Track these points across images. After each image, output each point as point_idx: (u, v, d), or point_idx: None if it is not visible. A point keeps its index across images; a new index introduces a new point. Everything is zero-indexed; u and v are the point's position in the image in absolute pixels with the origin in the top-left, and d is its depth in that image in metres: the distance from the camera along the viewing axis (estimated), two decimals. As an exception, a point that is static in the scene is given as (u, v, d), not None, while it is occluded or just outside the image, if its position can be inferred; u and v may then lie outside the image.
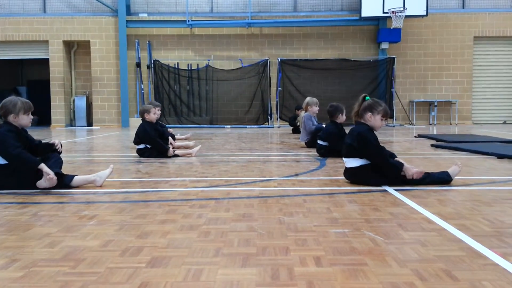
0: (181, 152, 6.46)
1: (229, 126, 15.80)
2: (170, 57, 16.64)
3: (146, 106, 6.62)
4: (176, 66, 16.45)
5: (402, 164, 3.83)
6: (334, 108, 6.37)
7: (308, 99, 7.70)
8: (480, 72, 16.76)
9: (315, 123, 7.40)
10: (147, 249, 2.22)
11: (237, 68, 16.37)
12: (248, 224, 2.67)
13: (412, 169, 3.81)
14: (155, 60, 16.32)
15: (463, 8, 16.61)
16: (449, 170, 3.98)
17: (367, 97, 3.96)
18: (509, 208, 3.02)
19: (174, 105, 16.33)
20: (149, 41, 16.58)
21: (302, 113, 8.10)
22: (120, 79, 16.43)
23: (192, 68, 16.46)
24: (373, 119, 3.93)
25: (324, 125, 6.98)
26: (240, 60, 16.44)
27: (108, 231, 2.56)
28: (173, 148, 6.61)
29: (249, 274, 1.88)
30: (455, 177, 4.01)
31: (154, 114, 6.51)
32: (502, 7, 16.48)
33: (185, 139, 9.10)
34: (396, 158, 4.02)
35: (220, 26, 16.50)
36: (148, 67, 16.47)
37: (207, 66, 16.26)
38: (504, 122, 16.57)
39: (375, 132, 4.00)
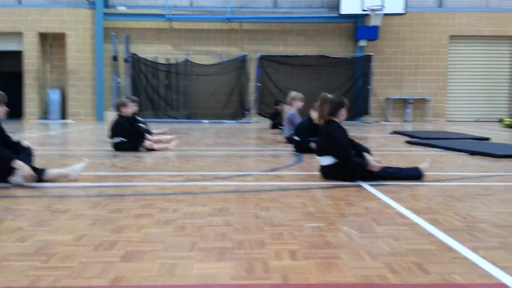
0: (158, 147, 6.41)
1: (207, 121, 15.73)
2: (149, 51, 16.44)
3: (123, 100, 6.54)
4: (155, 60, 16.28)
5: (367, 160, 3.87)
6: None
7: (293, 93, 7.65)
8: (455, 71, 17.07)
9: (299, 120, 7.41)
10: (122, 244, 2.20)
11: (216, 63, 16.29)
12: (225, 219, 2.68)
13: (374, 163, 3.85)
14: (133, 54, 16.10)
15: (440, 7, 16.87)
16: (421, 166, 4.06)
17: (329, 95, 4.01)
18: (480, 204, 3.10)
19: (151, 99, 16.17)
20: (127, 35, 16.35)
21: (287, 108, 8.08)
22: (96, 72, 16.16)
23: (171, 62, 16.31)
24: (344, 114, 4.00)
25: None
26: (220, 55, 16.37)
27: (81, 225, 2.53)
28: (149, 142, 6.54)
29: (225, 268, 1.89)
30: (427, 173, 4.09)
31: (130, 109, 6.43)
32: (478, 7, 16.79)
33: (162, 133, 9.03)
34: (369, 153, 4.07)
35: (200, 21, 16.38)
36: (126, 60, 16.25)
37: (186, 60, 16.13)
38: (477, 120, 16.94)
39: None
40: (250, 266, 1.91)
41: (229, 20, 16.23)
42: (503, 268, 1.86)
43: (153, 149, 6.26)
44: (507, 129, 12.19)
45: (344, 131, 4.00)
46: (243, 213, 2.81)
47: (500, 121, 14.27)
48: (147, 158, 5.64)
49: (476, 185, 3.85)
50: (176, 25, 16.55)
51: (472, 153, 5.95)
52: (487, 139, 8.24)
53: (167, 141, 6.95)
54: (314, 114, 6.21)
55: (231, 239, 2.28)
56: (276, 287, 1.71)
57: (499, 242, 2.22)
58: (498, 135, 9.65)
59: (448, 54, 16.88)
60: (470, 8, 16.73)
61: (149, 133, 7.02)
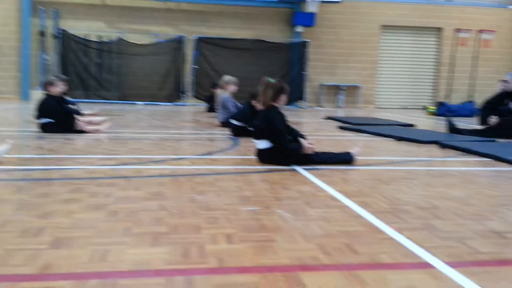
0: (89, 128, 6.16)
1: (141, 102, 15.31)
2: (79, 27, 15.65)
3: (51, 78, 6.20)
4: (86, 38, 15.53)
5: (301, 145, 3.97)
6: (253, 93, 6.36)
7: (227, 77, 7.64)
8: (385, 60, 17.78)
9: (237, 104, 7.39)
10: (50, 230, 2.11)
11: (152, 43, 15.82)
12: (159, 203, 2.63)
13: (307, 145, 3.97)
14: (62, 30, 15.25)
15: (372, -3, 17.43)
16: (352, 151, 4.22)
17: (271, 80, 4.04)
18: (404, 187, 3.28)
19: (81, 79, 15.44)
20: (56, 9, 15.44)
21: (219, 91, 8.04)
22: (21, 48, 15.17)
23: (103, 40, 15.64)
24: (284, 99, 4.06)
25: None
26: (155, 35, 15.91)
27: (5, 211, 2.39)
28: (80, 123, 6.27)
29: (159, 253, 1.86)
30: (358, 157, 4.25)
31: (59, 88, 6.11)
32: (407, -1, 17.53)
33: (93, 114, 8.68)
34: (303, 138, 4.16)
35: (134, -2, 15.81)
36: (54, 36, 15.37)
37: (120, 39, 15.52)
38: (404, 107, 17.81)
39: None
40: (186, 250, 1.90)
41: (165, -1, 15.80)
42: (426, 248, 1.99)
43: (83, 131, 6.01)
44: (430, 116, 12.94)
45: (282, 117, 4.05)
46: (179, 198, 2.78)
47: (425, 108, 15.11)
48: (77, 140, 5.41)
49: (402, 169, 4.07)
50: (109, 1, 15.86)
51: (399, 138, 6.25)
52: (412, 125, 8.70)
53: (99, 123, 6.70)
54: (257, 103, 6.21)
55: (166, 224, 2.25)
56: (212, 271, 1.72)
57: (422, 223, 2.37)
58: (422, 122, 10.22)
59: (379, 43, 17.54)
60: (401, 0, 17.43)
61: (79, 114, 6.73)
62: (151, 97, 15.72)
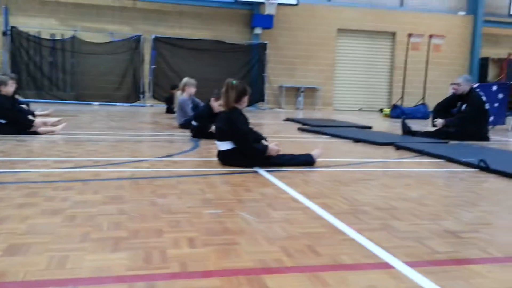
0: (43, 130, 5.95)
1: (97, 103, 14.94)
2: (31, 24, 15.08)
3: (1, 77, 5.94)
4: (38, 35, 14.98)
5: (266, 146, 4.00)
6: (218, 92, 6.29)
7: (186, 79, 7.59)
8: (342, 62, 18.16)
9: (190, 106, 7.35)
10: (3, 236, 2.02)
11: (107, 42, 15.45)
12: (119, 207, 2.57)
13: (273, 147, 4.00)
14: (12, 27, 14.65)
15: (329, 1, 17.76)
16: (313, 153, 4.27)
17: (233, 81, 4.04)
18: (363, 188, 3.35)
19: (34, 78, 14.89)
20: (5, 5, 14.81)
21: (178, 93, 7.96)
22: (-32, 45, 14.48)
23: (56, 38, 15.14)
24: (246, 101, 4.07)
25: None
26: (111, 33, 15.56)
27: (-47, 217, 2.27)
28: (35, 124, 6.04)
29: (120, 259, 1.82)
30: (318, 159, 4.31)
31: (10, 87, 5.87)
32: (362, 3, 17.97)
33: (47, 115, 8.39)
34: (265, 140, 4.19)
35: (89, -5, 15.40)
36: (4, 34, 14.74)
37: (73, 37, 15.09)
38: (360, 109, 18.24)
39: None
40: (147, 255, 1.87)
41: (122, -3, 15.49)
42: (385, 249, 2.04)
43: (37, 133, 5.79)
44: (386, 118, 13.31)
45: (245, 119, 4.06)
46: (139, 201, 2.73)
47: (381, 111, 15.53)
48: (31, 142, 5.21)
49: (360, 170, 4.16)
50: (62, -2, 15.39)
51: (356, 140, 6.40)
52: (369, 127, 8.92)
53: (53, 124, 6.48)
54: (214, 103, 6.13)
55: (126, 228, 2.20)
56: (175, 275, 1.70)
57: (381, 224, 2.43)
58: (378, 124, 10.50)
59: (336, 46, 17.88)
60: (356, 4, 17.84)
61: (32, 114, 6.49)
62: (108, 98, 15.36)
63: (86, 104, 14.41)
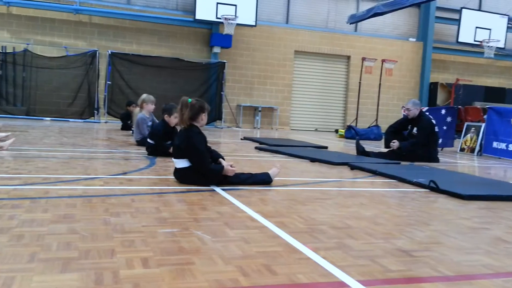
0: (-11, 145, 5.68)
1: (49, 118, 14.47)
2: (-20, 35, 14.55)
3: None
4: (-13, 47, 14.44)
5: (222, 167, 3.98)
6: (168, 107, 6.27)
7: (144, 96, 7.48)
8: (299, 83, 18.51)
9: (149, 124, 7.25)
10: None
11: (61, 56, 15.09)
12: (69, 226, 2.48)
13: (229, 168, 3.99)
14: (-41, 37, 14.06)
15: (287, 23, 18.15)
16: (270, 172, 4.29)
17: (189, 99, 4.02)
18: (319, 207, 3.39)
19: (-18, 91, 14.29)
20: (-48, 14, 14.23)
21: (137, 110, 7.84)
22: None
23: (7, 51, 14.63)
24: (204, 119, 4.06)
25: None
26: (65, 47, 15.21)
27: None
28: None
29: (70, 280, 1.75)
30: (275, 178, 4.34)
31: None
32: (318, 27, 18.48)
33: (-5, 130, 8.03)
34: (222, 159, 4.18)
35: (43, 8, 15.03)
36: (-50, 44, 14.12)
37: (26, 50, 14.63)
38: (316, 130, 18.58)
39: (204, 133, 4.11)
40: (99, 276, 1.80)
41: (77, 11, 15.23)
42: (340, 267, 2.06)
43: (-18, 148, 5.53)
44: (341, 139, 13.61)
45: (203, 138, 4.03)
46: (91, 220, 2.64)
47: (336, 131, 15.87)
48: (-25, 157, 4.96)
49: (316, 189, 4.21)
50: (14, 10, 14.95)
51: (313, 160, 6.49)
52: (325, 147, 9.08)
53: (1, 139, 6.20)
54: (169, 119, 6.13)
55: (77, 248, 2.12)
56: (128, 297, 1.64)
57: (336, 243, 2.46)
58: (334, 144, 10.71)
59: (293, 67, 18.23)
60: (312, 27, 18.34)
61: (-22, 129, 6.19)
62: (60, 113, 14.93)
63: (37, 120, 13.92)
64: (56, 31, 15.40)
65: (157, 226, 2.60)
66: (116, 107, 14.91)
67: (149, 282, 1.78)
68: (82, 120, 14.77)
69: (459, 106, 12.64)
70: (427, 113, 8.17)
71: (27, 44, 14.72)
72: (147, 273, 1.87)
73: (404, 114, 8.00)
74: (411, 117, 7.54)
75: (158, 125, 6.32)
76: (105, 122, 14.63)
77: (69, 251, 2.07)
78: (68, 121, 14.26)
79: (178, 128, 4.67)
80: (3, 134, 6.61)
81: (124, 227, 2.52)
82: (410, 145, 7.32)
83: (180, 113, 3.99)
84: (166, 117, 6.17)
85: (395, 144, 7.32)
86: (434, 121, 7.71)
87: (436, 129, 7.73)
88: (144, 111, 7.36)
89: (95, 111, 15.19)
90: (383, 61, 16.22)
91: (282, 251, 2.27)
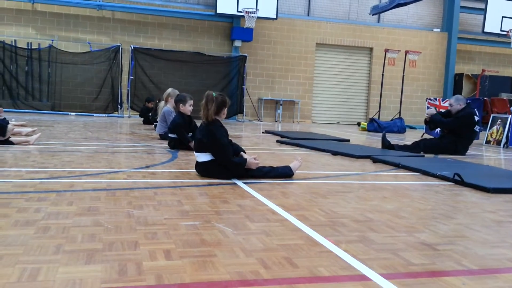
0: (17, 140, 5.83)
1: (73, 113, 14.73)
2: (6, 33, 14.86)
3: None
4: (13, 44, 14.75)
5: (245, 160, 4.00)
6: (181, 97, 6.32)
7: (170, 90, 7.54)
8: (320, 76, 18.37)
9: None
10: (-28, 249, 1.95)
11: (85, 52, 15.32)
12: (94, 218, 2.53)
13: (252, 161, 4.00)
14: (-13, 35, 14.41)
15: (308, 15, 18.00)
16: (291, 165, 4.29)
17: (214, 93, 4.04)
18: (340, 200, 3.37)
19: (9, 87, 14.63)
20: (-20, 13, 14.57)
21: (162, 104, 7.92)
22: None
23: (33, 47, 14.93)
24: (225, 113, 4.08)
25: None
26: (89, 43, 15.43)
27: None
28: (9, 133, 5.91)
29: (94, 271, 1.78)
30: (297, 171, 4.33)
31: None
32: (340, 18, 18.28)
33: (22, 125, 8.23)
34: (244, 153, 4.19)
35: (67, 5, 15.26)
36: (-22, 41, 14.48)
37: (50, 46, 14.90)
38: (338, 123, 18.44)
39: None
40: (122, 268, 1.83)
41: (100, 7, 15.41)
42: (362, 260, 2.04)
43: (11, 142, 5.67)
44: (363, 132, 13.48)
45: (225, 131, 4.06)
46: (115, 212, 2.69)
47: (358, 124, 15.72)
48: (4, 152, 5.09)
49: (338, 182, 4.19)
50: (39, 6, 15.22)
51: (334, 153, 6.45)
52: (347, 140, 9.01)
53: (28, 134, 6.36)
54: (184, 108, 6.21)
55: (101, 240, 2.16)
56: (150, 288, 1.67)
57: (358, 236, 2.44)
58: (356, 137, 10.62)
59: (315, 60, 18.09)
60: (334, 19, 18.14)
61: (7, 124, 6.34)
62: (85, 108, 15.19)
63: (62, 114, 14.19)
64: (80, 27, 15.63)
65: (179, 218, 2.63)
66: (139, 102, 15.07)
67: (171, 273, 1.80)
68: (106, 115, 14.99)
69: (485, 98, 12.35)
70: (473, 109, 7.92)
71: (52, 40, 14.99)
72: (169, 265, 1.89)
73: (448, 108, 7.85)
74: (454, 113, 7.45)
75: (176, 118, 6.36)
76: (128, 117, 14.82)
77: (93, 243, 2.11)
78: (92, 115, 14.49)
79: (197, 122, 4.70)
80: (30, 129, 6.77)
81: (147, 220, 2.56)
82: (440, 121, 7.27)
83: (205, 108, 4.01)
84: (181, 107, 6.23)
85: (431, 110, 7.26)
86: (476, 119, 7.57)
87: (477, 128, 7.59)
88: (169, 104, 7.42)
89: (119, 106, 15.39)
90: (406, 52, 15.94)
91: (303, 244, 2.27)
